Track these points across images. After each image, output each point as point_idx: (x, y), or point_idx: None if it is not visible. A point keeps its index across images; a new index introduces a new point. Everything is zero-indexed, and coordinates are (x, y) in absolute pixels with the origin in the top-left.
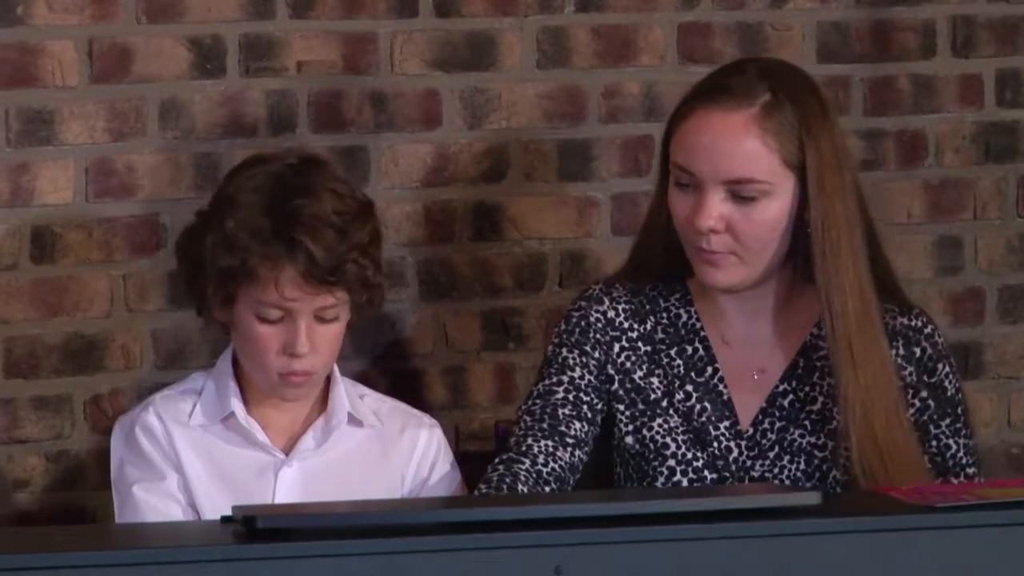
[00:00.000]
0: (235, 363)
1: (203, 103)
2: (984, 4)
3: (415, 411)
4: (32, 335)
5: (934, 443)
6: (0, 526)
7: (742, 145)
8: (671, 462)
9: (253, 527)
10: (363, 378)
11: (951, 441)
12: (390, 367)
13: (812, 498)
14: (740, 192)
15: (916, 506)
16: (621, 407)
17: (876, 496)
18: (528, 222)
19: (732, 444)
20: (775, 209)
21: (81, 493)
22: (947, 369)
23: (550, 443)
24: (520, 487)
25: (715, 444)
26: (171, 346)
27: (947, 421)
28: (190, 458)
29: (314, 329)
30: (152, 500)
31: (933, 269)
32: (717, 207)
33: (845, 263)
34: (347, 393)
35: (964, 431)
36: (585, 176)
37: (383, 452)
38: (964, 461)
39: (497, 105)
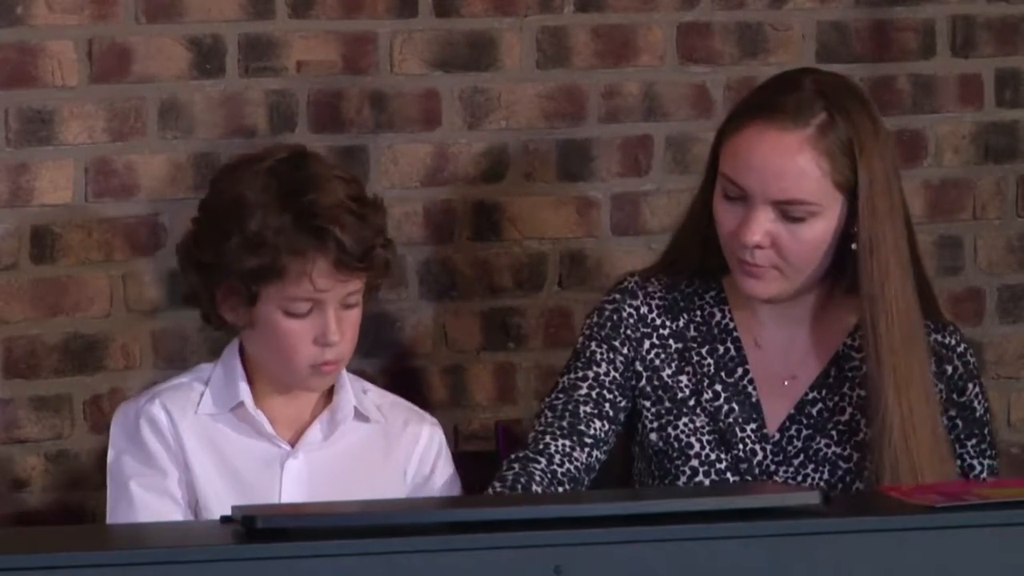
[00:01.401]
0: (242, 354)
1: (203, 103)
2: (984, 4)
3: (416, 408)
4: (32, 335)
5: (958, 463)
6: (0, 526)
7: (795, 166)
8: (694, 462)
9: (253, 527)
10: (363, 377)
11: (975, 462)
12: (390, 367)
13: (812, 498)
14: (790, 212)
15: (916, 506)
16: (647, 404)
17: (876, 496)
18: (528, 222)
19: (757, 447)
20: (821, 228)
21: (81, 493)
22: (976, 389)
23: (567, 443)
24: (535, 487)
25: (740, 446)
26: (171, 346)
27: (973, 441)
28: (196, 449)
29: (340, 316)
30: (148, 497)
31: (933, 269)
32: (764, 224)
33: (892, 286)
34: (351, 388)
35: (989, 452)
36: (585, 176)
37: (387, 447)
38: None
39: (497, 105)
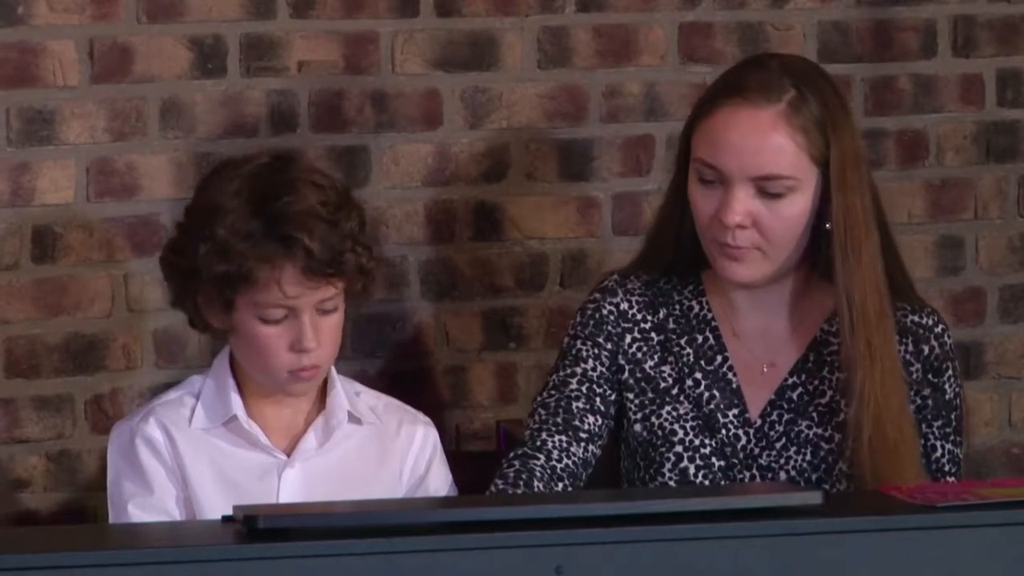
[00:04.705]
0: (232, 363)
1: (204, 103)
2: (985, 4)
3: (410, 408)
4: (33, 335)
5: (922, 442)
6: (0, 526)
7: (771, 141)
8: (678, 448)
9: (254, 527)
10: (363, 378)
11: (938, 443)
12: (391, 367)
13: (813, 498)
14: (768, 188)
15: (916, 506)
16: (631, 395)
17: (876, 496)
18: (529, 222)
19: (740, 432)
20: (800, 204)
21: (81, 493)
22: (951, 371)
23: (564, 438)
24: (536, 483)
25: (724, 431)
26: (171, 346)
27: (939, 423)
28: (194, 464)
29: (317, 322)
30: (146, 518)
31: (934, 269)
32: (744, 203)
33: (865, 259)
34: (344, 391)
35: (952, 436)
36: (586, 176)
37: (382, 449)
38: (947, 468)
39: (498, 105)
